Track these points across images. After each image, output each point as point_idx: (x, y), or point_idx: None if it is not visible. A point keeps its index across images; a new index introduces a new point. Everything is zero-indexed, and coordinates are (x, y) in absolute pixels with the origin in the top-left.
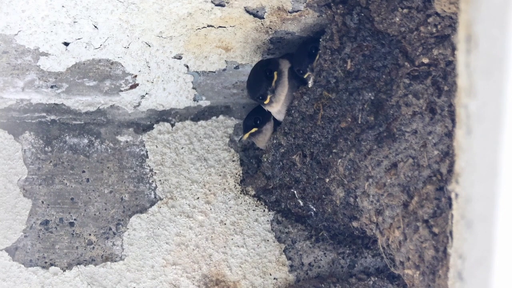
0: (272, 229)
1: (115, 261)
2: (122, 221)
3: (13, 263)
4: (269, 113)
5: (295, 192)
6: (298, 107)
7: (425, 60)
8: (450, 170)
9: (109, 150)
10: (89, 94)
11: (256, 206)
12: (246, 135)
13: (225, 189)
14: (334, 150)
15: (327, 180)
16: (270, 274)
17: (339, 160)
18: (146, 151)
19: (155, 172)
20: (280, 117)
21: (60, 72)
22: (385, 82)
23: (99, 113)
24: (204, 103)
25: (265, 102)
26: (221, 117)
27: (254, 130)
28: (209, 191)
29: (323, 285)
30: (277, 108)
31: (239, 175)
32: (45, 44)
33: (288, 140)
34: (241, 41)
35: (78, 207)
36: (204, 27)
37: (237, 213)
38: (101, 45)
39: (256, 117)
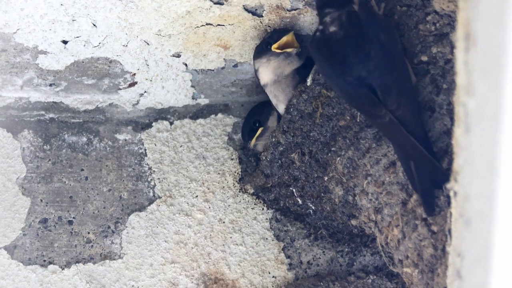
0: (271, 227)
1: (114, 260)
2: (120, 219)
3: (11, 261)
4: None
5: (294, 190)
6: (297, 105)
7: (424, 58)
8: (449, 168)
9: (108, 149)
10: (87, 93)
11: (255, 204)
12: (253, 141)
13: (223, 187)
14: (333, 149)
15: (325, 178)
16: (269, 273)
17: (338, 159)
18: (145, 150)
19: (154, 171)
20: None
21: (58, 70)
22: None
23: (98, 111)
24: (203, 101)
25: None
26: (219, 115)
27: (260, 130)
28: (208, 189)
29: (321, 283)
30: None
31: (237, 173)
32: (43, 42)
33: (286, 138)
34: (239, 39)
35: (77, 206)
36: (202, 25)
37: (236, 211)
38: (99, 43)
39: (254, 120)
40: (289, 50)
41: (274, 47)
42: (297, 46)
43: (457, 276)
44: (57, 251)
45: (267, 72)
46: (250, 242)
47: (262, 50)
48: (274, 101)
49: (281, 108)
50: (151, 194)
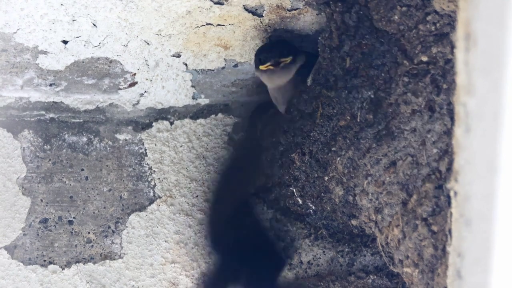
0: (271, 227)
1: (114, 260)
2: (121, 219)
3: (12, 261)
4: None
5: (294, 190)
6: (297, 105)
7: (424, 58)
8: (449, 168)
9: (108, 148)
10: (88, 92)
11: (255, 204)
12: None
13: None
14: (333, 149)
15: (326, 178)
16: None
17: (338, 158)
18: (145, 149)
19: (154, 170)
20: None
21: (59, 70)
22: (384, 80)
23: (98, 111)
24: (203, 101)
25: (261, 67)
26: (220, 115)
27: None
28: (208, 189)
29: (322, 283)
30: (277, 83)
31: None
32: (44, 42)
33: (287, 138)
34: (240, 39)
35: (77, 205)
36: (203, 25)
37: None
38: (100, 43)
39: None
40: (271, 67)
41: (260, 67)
42: (285, 61)
43: (457, 276)
44: (57, 251)
45: (265, 80)
46: None
47: (255, 62)
48: (274, 101)
49: (281, 109)
50: (152, 194)
